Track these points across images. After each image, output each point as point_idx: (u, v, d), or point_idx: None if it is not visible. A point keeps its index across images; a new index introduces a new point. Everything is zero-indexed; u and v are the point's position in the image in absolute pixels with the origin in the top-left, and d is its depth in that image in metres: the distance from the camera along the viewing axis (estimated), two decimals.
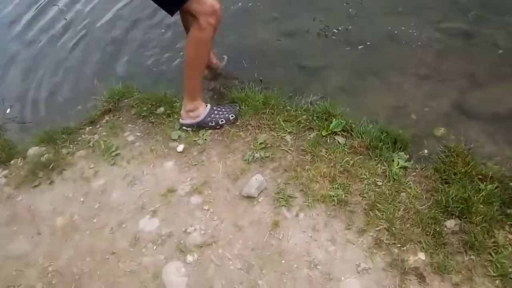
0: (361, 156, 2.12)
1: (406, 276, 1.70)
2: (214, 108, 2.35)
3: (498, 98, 2.41)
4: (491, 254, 1.73)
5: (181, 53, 2.90)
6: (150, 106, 2.51)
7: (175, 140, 2.33)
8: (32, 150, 2.41)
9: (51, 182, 2.24)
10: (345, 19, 3.04)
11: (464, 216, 1.83)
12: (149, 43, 3.19)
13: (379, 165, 2.08)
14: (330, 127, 2.23)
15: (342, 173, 2.05)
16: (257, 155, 2.18)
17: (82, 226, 2.04)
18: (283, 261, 1.80)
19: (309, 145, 2.18)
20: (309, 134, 2.26)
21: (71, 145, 2.41)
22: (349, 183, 2.01)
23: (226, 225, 1.94)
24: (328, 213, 1.93)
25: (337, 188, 1.99)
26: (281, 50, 2.92)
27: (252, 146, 2.23)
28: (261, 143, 2.23)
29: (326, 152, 2.15)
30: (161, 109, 2.49)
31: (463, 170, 1.98)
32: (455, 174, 1.98)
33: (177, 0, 1.94)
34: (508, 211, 1.85)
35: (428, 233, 1.81)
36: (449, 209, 1.86)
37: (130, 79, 2.82)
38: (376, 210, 1.90)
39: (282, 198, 1.99)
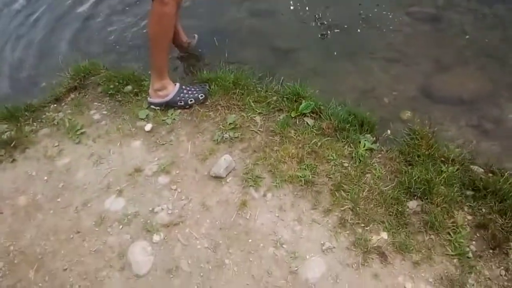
0: (329, 138, 2.14)
1: (369, 255, 1.74)
2: (184, 87, 2.32)
3: (463, 83, 2.48)
4: (450, 234, 1.79)
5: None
6: (117, 84, 2.45)
7: (143, 119, 2.29)
8: None
9: (13, 160, 2.18)
10: (319, 1, 3.03)
11: (426, 197, 1.89)
12: (116, 19, 3.10)
13: (346, 146, 2.11)
14: (300, 109, 2.24)
15: (310, 154, 2.08)
16: (226, 135, 2.17)
17: (46, 205, 1.99)
18: (250, 240, 1.82)
19: (278, 126, 2.19)
20: (279, 116, 2.27)
21: (34, 123, 2.34)
22: (317, 164, 2.04)
23: (193, 205, 1.94)
24: (295, 193, 1.95)
25: (305, 169, 2.01)
26: (253, 30, 2.90)
27: (221, 127, 2.22)
28: (230, 123, 2.22)
29: (295, 133, 2.16)
30: (129, 87, 2.44)
31: (426, 152, 2.03)
32: (418, 156, 2.03)
33: None
34: (468, 192, 1.92)
35: (391, 213, 1.86)
36: (412, 190, 1.91)
37: (96, 56, 2.75)
38: (341, 191, 1.93)
39: (250, 178, 2.00)
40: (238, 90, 2.36)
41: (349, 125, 2.17)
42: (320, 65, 2.65)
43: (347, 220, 1.84)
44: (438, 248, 1.76)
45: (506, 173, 1.93)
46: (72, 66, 2.57)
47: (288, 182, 1.98)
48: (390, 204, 1.88)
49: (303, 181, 1.97)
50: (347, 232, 1.82)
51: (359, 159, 2.04)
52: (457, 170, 1.97)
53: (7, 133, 2.27)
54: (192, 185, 2.01)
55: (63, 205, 1.99)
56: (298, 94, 2.32)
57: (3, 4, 3.38)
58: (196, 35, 2.76)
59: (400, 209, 1.85)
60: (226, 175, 2.02)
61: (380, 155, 2.10)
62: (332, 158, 2.05)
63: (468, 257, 1.73)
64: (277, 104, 2.31)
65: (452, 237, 1.78)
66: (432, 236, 1.79)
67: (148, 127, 2.24)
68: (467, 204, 1.89)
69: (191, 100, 2.31)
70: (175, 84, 2.30)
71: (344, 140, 2.13)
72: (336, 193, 1.93)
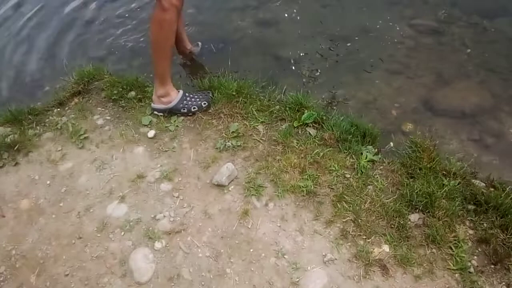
0: (331, 148, 2.15)
1: (370, 268, 1.75)
2: (187, 94, 2.33)
3: (464, 96, 2.50)
4: (451, 248, 1.80)
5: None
6: (120, 89, 2.45)
7: (146, 125, 2.30)
8: None
9: (16, 164, 2.18)
10: (322, 12, 3.06)
11: (428, 210, 1.89)
12: (121, 24, 3.12)
13: (348, 157, 2.12)
14: (302, 119, 2.25)
15: (312, 165, 2.08)
16: (228, 143, 2.18)
17: (48, 209, 1.99)
18: (251, 250, 1.82)
19: (280, 135, 2.20)
20: (281, 125, 2.28)
21: (38, 127, 2.34)
22: (319, 174, 2.04)
23: (195, 213, 1.95)
24: (297, 203, 1.96)
25: (307, 179, 2.02)
26: (256, 39, 2.92)
27: (224, 135, 2.23)
28: (233, 131, 2.23)
29: (297, 143, 2.17)
30: (132, 93, 2.45)
31: (428, 165, 2.04)
32: (420, 169, 2.04)
33: None
34: (469, 206, 1.93)
35: (392, 226, 1.87)
36: (414, 203, 1.92)
37: (101, 61, 2.76)
38: (343, 202, 1.94)
39: (252, 187, 2.00)
40: (241, 98, 2.37)
41: (351, 136, 2.18)
42: (323, 75, 2.67)
43: (349, 232, 1.85)
44: (439, 262, 1.77)
45: (507, 188, 1.94)
46: (76, 71, 2.58)
47: (290, 192, 1.99)
48: (392, 216, 1.88)
49: (305, 192, 1.97)
50: (349, 244, 1.82)
51: (361, 171, 2.05)
52: (458, 183, 1.98)
53: (10, 136, 2.26)
54: (194, 193, 2.02)
55: (66, 210, 1.99)
56: (301, 104, 2.33)
57: (12, 8, 3.37)
58: (199, 43, 2.77)
59: (401, 222, 1.86)
60: (228, 184, 2.03)
61: (382, 167, 2.11)
62: (334, 169, 2.06)
63: (469, 272, 1.74)
64: (280, 114, 2.32)
65: (453, 251, 1.78)
66: (434, 250, 1.80)
67: (151, 133, 2.25)
68: (469, 218, 1.90)
69: (194, 108, 2.32)
70: (179, 91, 2.31)
71: (346, 151, 2.14)
72: (338, 204, 1.94)
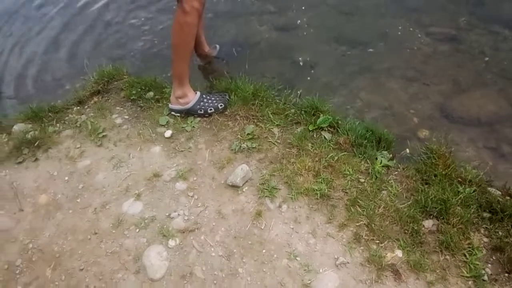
0: (345, 153, 2.15)
1: (383, 272, 1.74)
2: (204, 96, 2.36)
3: (480, 104, 2.48)
4: (465, 255, 1.78)
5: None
6: (139, 90, 2.50)
7: (163, 125, 2.33)
8: (18, 127, 2.39)
9: (36, 160, 2.23)
10: (339, 18, 3.07)
11: (442, 217, 1.88)
12: (142, 26, 3.18)
13: (362, 162, 2.12)
14: (317, 122, 2.26)
15: (326, 168, 2.09)
16: (244, 145, 2.20)
17: (65, 205, 2.03)
18: (264, 251, 1.83)
19: (295, 138, 2.21)
20: (296, 128, 2.29)
21: (57, 124, 2.40)
22: (333, 178, 2.05)
23: (209, 212, 1.96)
24: (311, 206, 1.96)
25: (321, 182, 2.02)
26: (273, 44, 2.95)
27: (239, 136, 2.25)
28: (248, 134, 2.25)
29: (312, 146, 2.18)
30: (150, 93, 2.49)
31: (443, 172, 2.03)
32: (435, 175, 2.03)
33: None
34: (484, 214, 1.91)
35: (406, 231, 1.86)
36: (428, 209, 1.91)
37: (120, 61, 2.82)
38: (357, 206, 1.94)
39: (266, 189, 2.02)
40: (257, 101, 2.39)
41: (366, 141, 2.19)
42: (339, 80, 2.67)
43: (362, 236, 1.85)
44: (453, 269, 1.76)
45: None
46: (97, 71, 2.63)
47: (304, 195, 2.00)
48: (406, 222, 1.88)
49: (318, 195, 1.98)
50: (362, 248, 1.82)
51: (376, 176, 2.05)
52: (474, 191, 1.96)
53: (31, 132, 2.32)
54: (209, 193, 2.04)
55: (82, 206, 2.02)
56: (316, 108, 2.34)
57: (36, 7, 3.46)
58: (217, 46, 2.81)
59: (415, 228, 1.85)
60: (243, 185, 2.05)
61: (396, 172, 2.11)
62: (348, 173, 2.06)
63: (483, 280, 1.72)
64: (295, 117, 2.34)
65: (467, 258, 1.77)
66: (448, 257, 1.79)
67: (168, 133, 2.28)
68: (484, 226, 1.88)
69: (210, 109, 2.35)
70: (196, 93, 2.34)
71: (361, 155, 2.14)
72: (352, 208, 1.94)
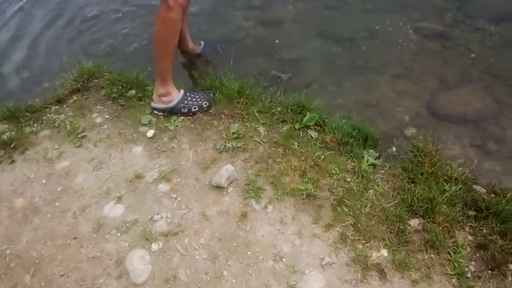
0: (332, 151, 2.13)
1: (368, 272, 1.73)
2: (188, 94, 2.31)
3: (467, 101, 2.47)
4: (450, 253, 1.77)
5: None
6: (120, 88, 2.43)
7: (145, 124, 2.28)
8: None
9: (12, 162, 2.16)
10: (326, 14, 3.04)
11: (428, 216, 1.87)
12: (122, 22, 3.10)
13: (349, 161, 2.10)
14: (304, 121, 2.23)
15: (313, 168, 2.06)
16: (229, 145, 2.16)
17: (43, 209, 1.97)
18: (249, 253, 1.80)
19: (281, 137, 2.17)
20: (283, 127, 2.26)
21: (35, 124, 2.32)
22: (319, 177, 2.02)
23: (193, 215, 1.92)
24: (297, 206, 1.93)
25: (307, 182, 1.99)
26: (259, 40, 2.90)
27: (224, 136, 2.21)
28: (233, 133, 2.21)
29: (298, 145, 2.15)
30: (132, 91, 2.43)
31: (429, 170, 2.02)
32: (421, 174, 2.02)
33: None
34: (470, 212, 1.90)
35: (392, 231, 1.84)
36: (414, 208, 1.90)
37: (100, 58, 2.74)
38: (343, 206, 1.92)
39: (251, 189, 1.98)
40: (242, 99, 2.34)
41: (352, 139, 2.16)
42: (325, 77, 2.64)
43: (348, 236, 1.83)
44: (437, 267, 1.75)
45: (508, 194, 1.91)
46: (76, 68, 2.56)
47: (290, 195, 1.97)
48: (392, 221, 1.86)
49: (305, 195, 1.95)
50: (348, 248, 1.80)
51: (362, 175, 2.03)
52: (459, 189, 1.95)
53: (7, 133, 2.25)
54: (193, 194, 2.00)
55: (61, 210, 1.96)
56: (303, 106, 2.30)
57: (9, 3, 3.35)
58: (202, 42, 2.75)
59: (401, 227, 1.84)
60: (227, 185, 2.01)
61: (383, 171, 2.09)
62: (334, 172, 2.04)
63: (467, 277, 1.71)
64: (281, 115, 2.30)
65: (452, 256, 1.76)
66: (432, 255, 1.78)
67: (150, 133, 2.23)
68: (469, 224, 1.87)
69: (194, 108, 2.30)
70: (179, 91, 2.29)
71: (347, 154, 2.12)
72: (338, 208, 1.91)
